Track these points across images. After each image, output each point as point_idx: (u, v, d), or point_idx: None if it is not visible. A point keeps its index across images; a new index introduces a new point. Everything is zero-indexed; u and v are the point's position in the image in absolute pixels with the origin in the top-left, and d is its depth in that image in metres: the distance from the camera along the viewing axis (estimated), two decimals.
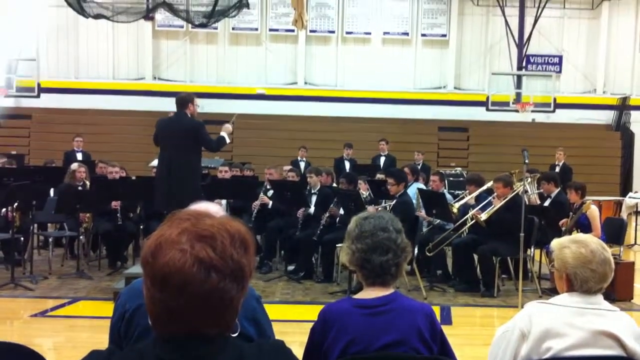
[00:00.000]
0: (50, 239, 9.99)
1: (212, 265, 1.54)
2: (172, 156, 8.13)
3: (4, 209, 9.12)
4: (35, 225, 9.88)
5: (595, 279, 2.76)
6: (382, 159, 14.94)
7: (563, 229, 8.74)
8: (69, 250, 10.43)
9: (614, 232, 9.17)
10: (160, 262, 1.54)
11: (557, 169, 14.11)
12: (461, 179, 13.68)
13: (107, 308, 7.24)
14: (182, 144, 8.10)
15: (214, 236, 1.57)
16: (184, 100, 8.30)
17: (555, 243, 2.90)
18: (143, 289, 1.60)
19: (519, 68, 19.82)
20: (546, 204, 9.53)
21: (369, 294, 2.81)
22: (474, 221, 8.70)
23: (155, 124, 8.50)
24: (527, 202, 8.49)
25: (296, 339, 5.67)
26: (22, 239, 9.21)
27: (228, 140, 8.80)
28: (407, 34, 20.34)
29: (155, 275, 1.55)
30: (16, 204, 8.58)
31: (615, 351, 2.70)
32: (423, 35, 20.35)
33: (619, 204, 13.76)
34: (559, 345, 2.66)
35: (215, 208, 2.62)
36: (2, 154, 13.03)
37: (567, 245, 2.82)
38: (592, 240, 2.85)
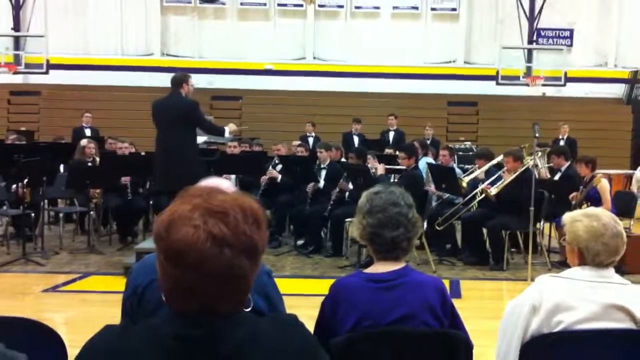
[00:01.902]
0: (61, 215, 10.06)
1: (225, 241, 1.54)
2: (166, 136, 8.00)
3: (14, 185, 9.17)
4: (46, 201, 9.93)
5: (607, 253, 2.75)
6: (391, 134, 14.89)
7: (573, 202, 8.72)
8: (79, 226, 10.49)
9: (625, 206, 9.14)
10: (173, 238, 1.54)
11: (562, 143, 14.01)
12: (470, 153, 13.63)
13: (118, 283, 7.30)
14: (176, 124, 7.96)
15: (227, 212, 1.57)
16: (178, 80, 8.12)
17: (567, 217, 2.89)
18: (157, 265, 1.60)
19: (530, 42, 19.65)
20: (556, 177, 9.50)
21: (380, 268, 2.81)
22: (483, 195, 8.69)
23: (151, 105, 8.34)
24: (537, 176, 8.47)
25: (306, 313, 5.69)
26: (32, 214, 9.28)
27: (226, 135, 8.71)
28: (416, 8, 20.15)
29: (168, 251, 1.55)
30: (26, 180, 8.62)
31: (626, 324, 2.69)
32: (433, 9, 20.17)
33: (629, 178, 13.68)
34: (570, 319, 2.66)
35: (226, 184, 2.62)
36: (12, 131, 13.10)
37: (579, 219, 2.81)
38: (604, 214, 2.83)
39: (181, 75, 8.24)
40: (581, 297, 2.68)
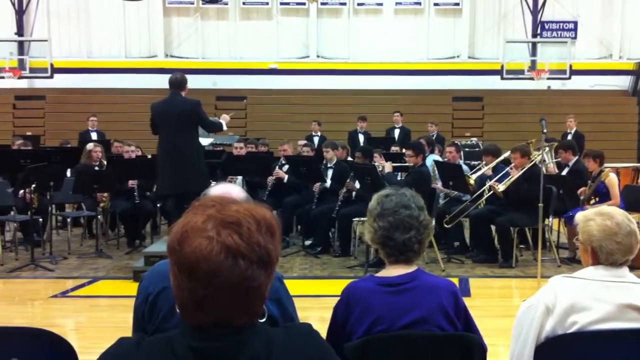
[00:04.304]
0: (69, 219, 10.07)
1: (239, 252, 1.52)
2: (173, 138, 8.00)
3: (22, 191, 9.18)
4: (54, 206, 9.94)
5: (621, 252, 2.73)
6: (397, 131, 14.86)
7: (581, 197, 8.68)
8: (87, 230, 10.51)
9: (634, 200, 9.08)
10: (186, 250, 1.53)
11: (569, 137, 13.93)
12: (477, 149, 13.57)
13: (127, 287, 7.32)
14: (182, 125, 8.00)
15: (240, 222, 1.55)
16: (180, 81, 8.16)
17: (580, 216, 2.86)
18: (170, 277, 1.59)
19: (534, 35, 19.60)
20: (564, 172, 9.46)
21: (392, 271, 2.79)
22: (491, 192, 8.66)
23: (150, 108, 8.32)
24: (544, 172, 8.44)
25: (316, 314, 5.71)
26: (40, 220, 9.30)
27: (225, 128, 8.70)
28: (419, 3, 20.13)
29: (182, 263, 1.54)
30: (34, 185, 8.63)
31: None
32: (435, 4, 20.15)
33: (637, 171, 13.64)
34: (585, 319, 2.63)
35: (236, 190, 2.60)
36: (18, 136, 13.09)
37: (592, 218, 2.78)
38: (617, 212, 2.80)
39: (182, 77, 8.25)
40: (595, 297, 2.66)
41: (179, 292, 1.57)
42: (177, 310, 1.60)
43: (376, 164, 9.42)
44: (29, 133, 16.13)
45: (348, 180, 9.18)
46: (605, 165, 9.15)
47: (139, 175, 9.60)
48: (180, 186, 7.85)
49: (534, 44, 19.64)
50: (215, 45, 20.30)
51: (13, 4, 19.65)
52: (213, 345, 1.55)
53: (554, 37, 19.94)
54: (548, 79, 19.17)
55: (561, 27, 20.04)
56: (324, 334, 2.34)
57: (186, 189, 7.70)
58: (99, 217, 9.71)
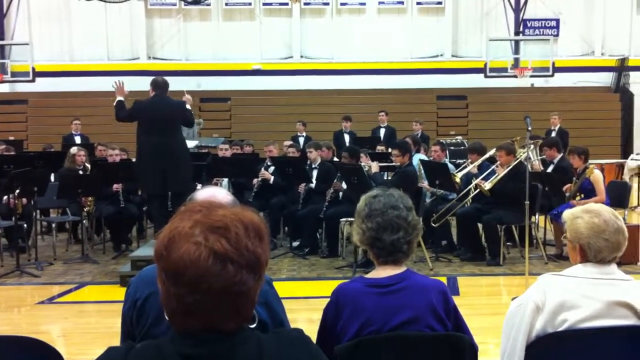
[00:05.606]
0: (54, 225, 9.98)
1: (228, 257, 1.51)
2: (163, 139, 8.12)
3: (5, 197, 9.09)
4: (38, 211, 9.85)
5: (609, 249, 2.74)
6: (382, 131, 14.86)
7: (567, 194, 8.72)
8: (72, 235, 10.42)
9: (618, 196, 9.14)
10: (174, 256, 1.51)
11: (553, 134, 14.00)
12: (462, 147, 13.60)
13: (114, 292, 7.26)
14: (171, 126, 8.23)
15: (228, 227, 1.53)
16: (167, 83, 8.43)
17: (567, 214, 2.87)
18: (158, 283, 1.57)
19: (516, 33, 19.70)
20: (549, 170, 9.50)
21: (381, 272, 2.78)
22: (477, 190, 8.67)
23: (134, 104, 8.45)
24: (530, 169, 8.47)
25: (304, 316, 5.68)
26: (25, 225, 9.20)
27: (188, 105, 8.91)
28: (402, 2, 20.19)
29: (169, 269, 1.52)
30: (17, 190, 8.55)
31: (631, 320, 2.68)
32: (418, 3, 20.23)
33: (621, 167, 13.72)
34: (575, 317, 2.64)
35: (223, 193, 2.58)
36: (1, 141, 12.98)
37: (579, 216, 2.79)
38: (604, 210, 2.81)
39: (166, 80, 8.49)
40: (585, 295, 2.67)
41: (167, 298, 1.55)
42: (166, 317, 1.58)
43: (362, 164, 9.41)
44: (11, 138, 15.99)
45: (335, 181, 9.16)
46: (590, 161, 9.20)
47: (124, 179, 9.53)
48: (171, 186, 8.04)
49: (517, 42, 19.74)
50: (199, 46, 20.25)
51: None
52: (202, 352, 1.53)
53: (537, 34, 20.07)
54: (531, 76, 19.27)
55: (543, 24, 20.18)
56: (313, 336, 2.33)
57: (178, 188, 7.87)
58: (84, 221, 9.63)
